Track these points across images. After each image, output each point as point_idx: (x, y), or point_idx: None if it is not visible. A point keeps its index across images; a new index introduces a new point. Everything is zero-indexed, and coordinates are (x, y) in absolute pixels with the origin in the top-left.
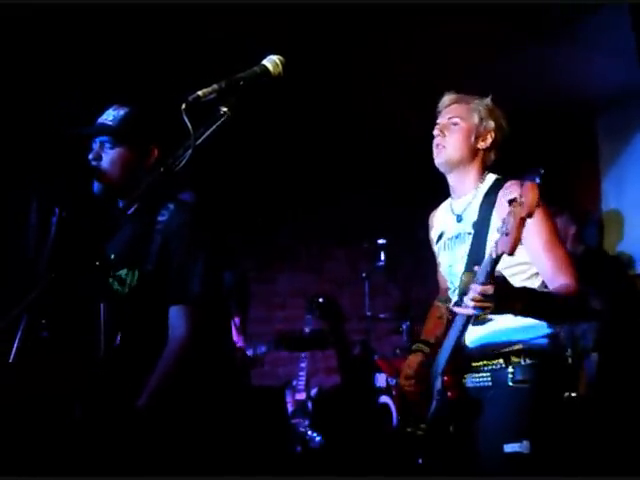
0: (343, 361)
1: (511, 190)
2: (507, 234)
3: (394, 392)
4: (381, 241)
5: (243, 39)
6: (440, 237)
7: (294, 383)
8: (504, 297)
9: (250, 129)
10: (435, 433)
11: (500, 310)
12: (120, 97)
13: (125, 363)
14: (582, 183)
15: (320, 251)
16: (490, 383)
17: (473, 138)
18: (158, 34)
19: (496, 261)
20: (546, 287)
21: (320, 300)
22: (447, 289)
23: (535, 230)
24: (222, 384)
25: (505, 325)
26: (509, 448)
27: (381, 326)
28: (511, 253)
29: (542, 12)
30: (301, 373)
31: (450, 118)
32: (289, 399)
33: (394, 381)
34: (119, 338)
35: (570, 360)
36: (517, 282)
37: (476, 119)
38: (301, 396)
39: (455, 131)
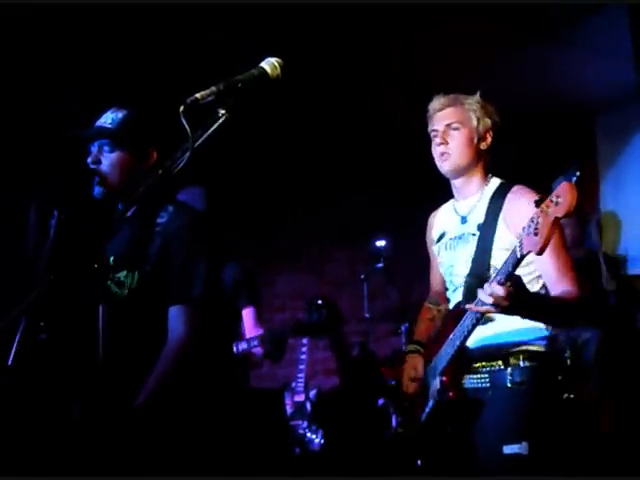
0: (342, 363)
1: (520, 194)
2: (536, 234)
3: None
4: (381, 243)
5: (243, 39)
6: (441, 237)
7: (293, 385)
8: (520, 299)
9: (250, 130)
10: (430, 433)
11: (511, 311)
12: (119, 99)
13: (124, 365)
14: (581, 184)
15: (320, 252)
16: (488, 384)
17: (475, 140)
18: (157, 35)
19: (519, 261)
20: (546, 290)
21: (319, 302)
22: (440, 291)
23: None
24: (221, 385)
25: (505, 326)
26: (508, 449)
27: (380, 328)
28: (540, 253)
29: (542, 12)
30: (300, 375)
31: (449, 124)
32: (288, 401)
33: (393, 383)
34: (118, 340)
35: (569, 362)
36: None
37: (474, 120)
38: (300, 398)
39: (457, 137)
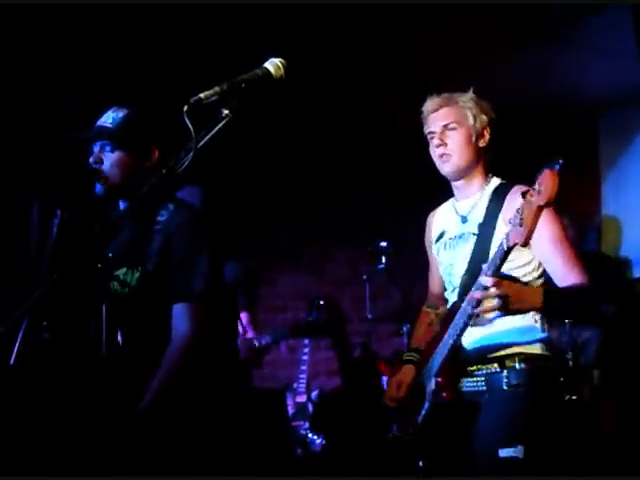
0: (344, 363)
1: (519, 194)
2: (521, 225)
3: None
4: (382, 243)
5: (243, 39)
6: (441, 236)
7: (295, 386)
8: (515, 293)
9: (250, 130)
10: (426, 436)
11: (511, 309)
12: (119, 98)
13: (128, 363)
14: (582, 185)
15: (321, 252)
16: (485, 387)
17: (474, 139)
18: (158, 35)
19: (507, 253)
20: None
21: (321, 302)
22: (438, 294)
23: (545, 229)
24: (225, 383)
25: (501, 328)
26: (504, 453)
27: (382, 328)
28: (525, 244)
29: (542, 12)
30: (302, 375)
31: (446, 125)
32: (290, 402)
33: None
34: (121, 339)
35: (570, 363)
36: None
37: (471, 119)
38: (302, 398)
39: (455, 137)
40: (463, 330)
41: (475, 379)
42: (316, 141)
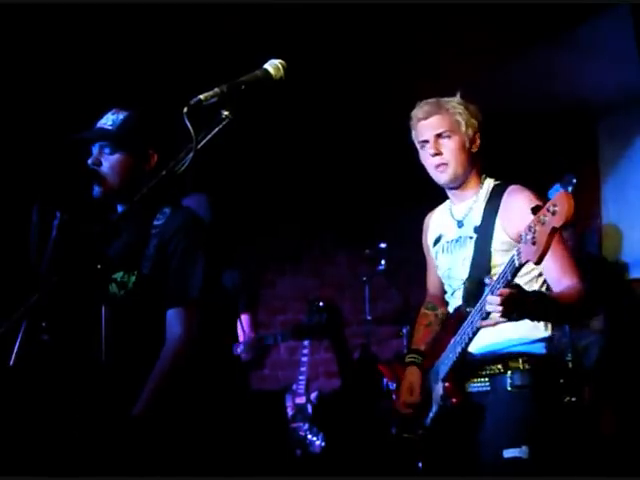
0: (343, 365)
1: (515, 195)
2: (534, 243)
3: (394, 397)
4: (382, 245)
5: (243, 39)
6: (438, 240)
7: (294, 387)
8: (521, 304)
9: (250, 131)
10: (435, 438)
11: (517, 316)
12: (119, 100)
13: (125, 366)
14: (583, 187)
15: (321, 254)
16: (489, 388)
17: (468, 145)
18: (158, 36)
19: (517, 269)
20: (547, 288)
21: (321, 304)
22: (437, 295)
23: None
24: (221, 386)
25: (504, 330)
26: (508, 453)
27: (382, 330)
28: (538, 263)
29: (544, 14)
30: (301, 377)
31: (440, 134)
32: (289, 403)
33: (394, 386)
34: (119, 341)
35: (571, 364)
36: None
37: (463, 125)
38: (301, 400)
39: (450, 146)
40: (472, 338)
41: (480, 380)
42: (316, 143)
